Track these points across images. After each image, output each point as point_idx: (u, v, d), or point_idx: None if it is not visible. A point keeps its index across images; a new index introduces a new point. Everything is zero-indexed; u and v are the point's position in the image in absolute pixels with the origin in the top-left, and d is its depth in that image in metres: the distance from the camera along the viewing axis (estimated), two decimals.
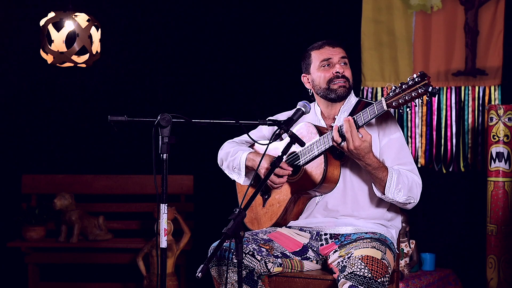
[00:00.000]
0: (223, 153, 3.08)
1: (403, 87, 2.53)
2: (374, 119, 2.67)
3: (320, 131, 2.79)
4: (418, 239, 4.21)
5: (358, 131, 2.60)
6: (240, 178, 3.00)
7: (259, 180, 2.97)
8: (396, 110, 2.58)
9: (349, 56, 2.93)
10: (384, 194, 2.69)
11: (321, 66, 2.87)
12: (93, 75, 5.01)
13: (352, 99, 2.92)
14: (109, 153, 5.14)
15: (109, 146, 5.11)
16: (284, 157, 2.63)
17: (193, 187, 4.91)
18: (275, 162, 2.57)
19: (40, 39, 4.23)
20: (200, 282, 2.61)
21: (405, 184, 2.69)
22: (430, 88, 2.48)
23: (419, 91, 2.49)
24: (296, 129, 2.88)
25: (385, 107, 2.57)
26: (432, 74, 4.40)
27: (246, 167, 2.95)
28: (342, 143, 2.62)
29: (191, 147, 4.96)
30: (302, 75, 2.97)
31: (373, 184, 2.73)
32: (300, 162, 2.83)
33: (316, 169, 2.77)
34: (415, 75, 2.51)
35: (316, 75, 2.89)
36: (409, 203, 2.73)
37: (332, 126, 2.86)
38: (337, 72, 2.84)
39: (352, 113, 2.83)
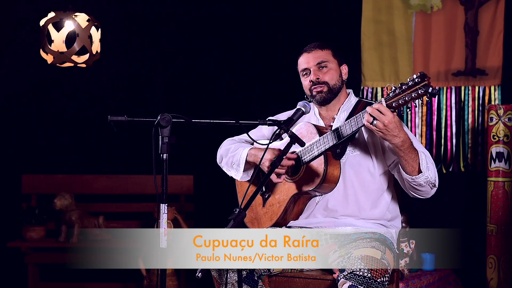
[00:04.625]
0: (223, 150, 3.08)
1: (403, 87, 2.52)
2: None
3: (320, 131, 2.79)
4: (418, 239, 4.21)
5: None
6: (238, 174, 2.99)
7: (258, 179, 2.97)
8: (396, 110, 2.57)
9: (336, 53, 2.90)
10: (421, 172, 2.62)
11: (302, 75, 2.94)
12: (93, 75, 5.01)
13: (352, 99, 2.93)
14: (109, 153, 5.14)
15: (109, 146, 5.11)
16: (284, 157, 2.63)
17: (193, 187, 4.91)
18: (275, 162, 2.57)
19: (40, 39, 4.23)
20: (200, 282, 2.60)
21: (431, 163, 2.67)
22: (430, 89, 2.46)
23: (419, 92, 2.48)
24: (296, 128, 2.88)
25: None
26: (432, 74, 4.40)
27: (247, 162, 2.94)
28: (375, 121, 2.53)
29: (191, 147, 4.96)
30: None
31: (403, 168, 2.65)
32: (300, 162, 2.83)
33: (316, 169, 2.77)
34: (415, 76, 2.49)
35: (302, 81, 2.96)
36: (434, 186, 2.70)
37: (331, 126, 2.86)
38: (311, 81, 2.88)
39: (352, 113, 2.83)
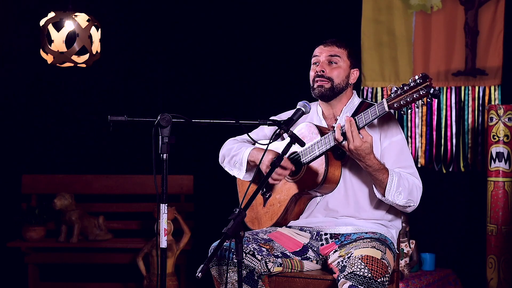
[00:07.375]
0: (225, 150, 3.08)
1: (405, 88, 2.52)
2: (376, 120, 2.66)
3: (322, 131, 2.79)
4: (418, 239, 4.21)
5: (359, 132, 2.59)
6: (241, 173, 2.99)
7: (260, 179, 2.97)
8: (397, 111, 2.57)
9: (352, 55, 2.90)
10: (384, 196, 2.69)
11: (312, 64, 2.92)
12: (93, 75, 5.01)
13: (355, 100, 2.92)
14: (109, 153, 5.15)
15: (109, 146, 5.11)
16: (285, 157, 2.63)
17: (193, 187, 4.91)
18: (275, 162, 2.57)
19: (40, 39, 4.23)
20: (200, 282, 2.61)
21: (406, 187, 2.68)
22: (432, 90, 2.46)
23: (421, 93, 2.48)
24: (297, 129, 2.87)
25: (386, 109, 2.57)
26: (432, 74, 4.40)
27: (248, 162, 2.94)
28: (343, 142, 2.61)
29: (191, 147, 4.96)
30: None
31: (373, 185, 2.73)
32: (301, 162, 2.83)
33: (317, 169, 2.77)
34: (416, 77, 2.49)
35: (310, 71, 2.94)
36: (409, 206, 2.73)
37: (333, 127, 2.85)
38: (316, 72, 2.86)
39: (354, 114, 2.82)
